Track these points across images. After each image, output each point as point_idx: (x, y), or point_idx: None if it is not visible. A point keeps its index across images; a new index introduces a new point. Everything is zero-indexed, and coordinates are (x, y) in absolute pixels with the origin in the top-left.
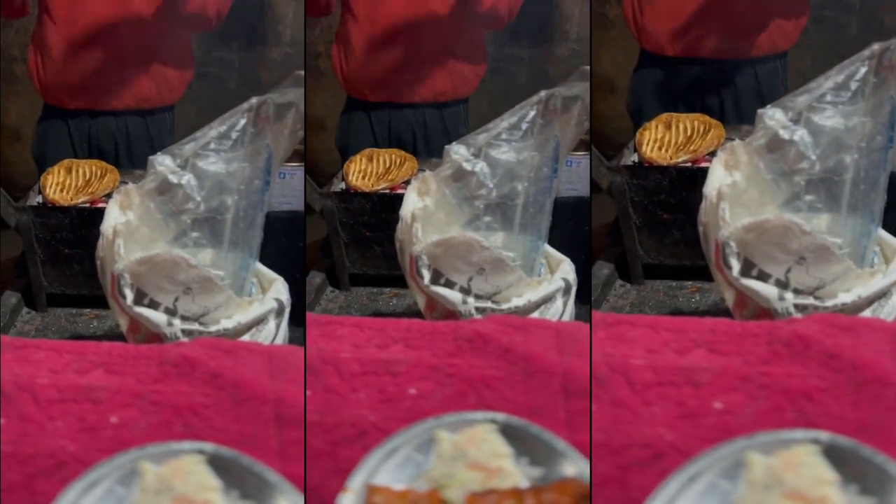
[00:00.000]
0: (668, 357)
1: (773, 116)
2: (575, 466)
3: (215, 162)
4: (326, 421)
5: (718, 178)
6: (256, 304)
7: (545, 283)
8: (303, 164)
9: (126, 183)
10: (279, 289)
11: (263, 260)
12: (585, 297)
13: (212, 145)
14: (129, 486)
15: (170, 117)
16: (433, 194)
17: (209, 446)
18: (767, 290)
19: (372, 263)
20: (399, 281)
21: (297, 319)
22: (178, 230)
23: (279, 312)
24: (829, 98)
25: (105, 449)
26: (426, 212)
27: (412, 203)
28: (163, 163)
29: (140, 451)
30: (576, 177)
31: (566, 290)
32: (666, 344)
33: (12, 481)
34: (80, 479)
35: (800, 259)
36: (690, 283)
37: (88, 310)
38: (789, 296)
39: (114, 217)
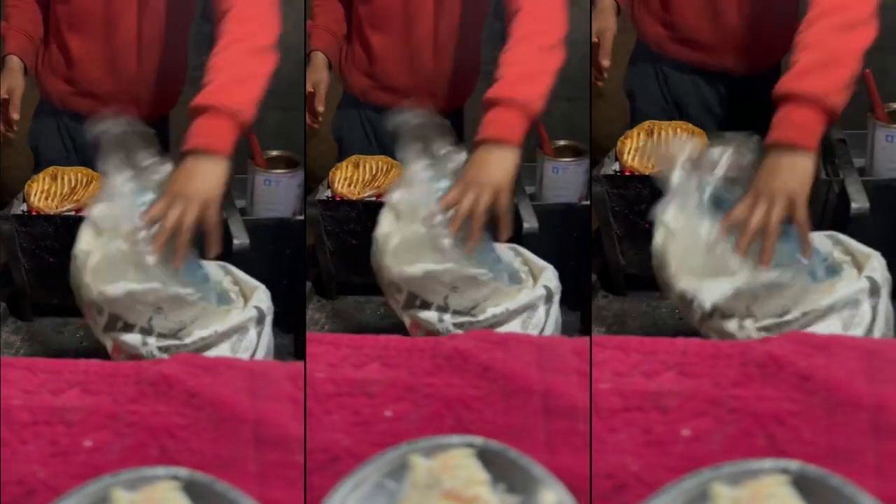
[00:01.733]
0: (636, 380)
1: None
2: (553, 494)
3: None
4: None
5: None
6: (235, 311)
7: (525, 292)
8: (288, 170)
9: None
10: (260, 297)
11: (250, 267)
12: (576, 304)
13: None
14: None
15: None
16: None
17: (184, 472)
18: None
19: (359, 272)
20: None
21: (286, 326)
22: (136, 256)
23: (259, 320)
24: None
25: (77, 475)
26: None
27: (384, 227)
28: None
29: (113, 477)
30: (563, 183)
31: (548, 298)
32: (635, 367)
33: None
34: None
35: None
36: None
37: (75, 319)
38: (447, 317)
39: (85, 242)
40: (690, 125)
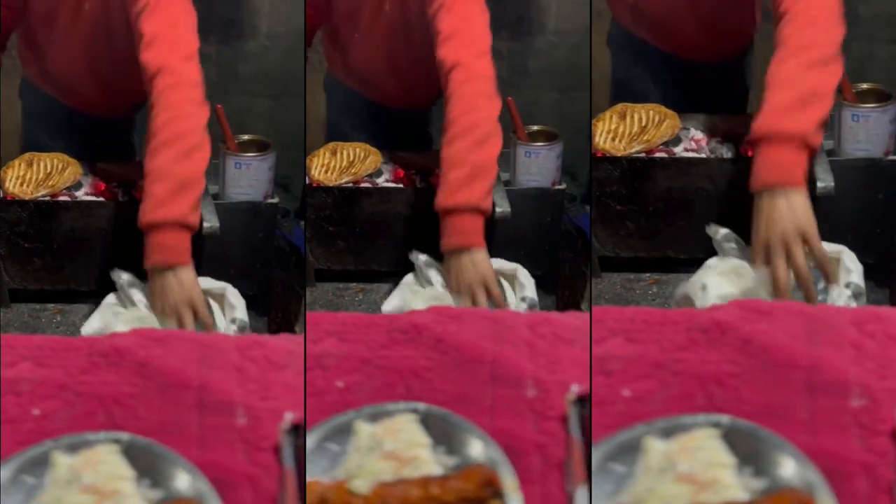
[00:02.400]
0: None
1: None
2: (485, 453)
3: None
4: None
5: None
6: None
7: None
8: (259, 153)
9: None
10: (232, 302)
11: (221, 251)
12: (553, 288)
13: None
14: (40, 478)
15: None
16: None
17: (125, 436)
18: None
19: (336, 259)
20: (364, 276)
21: (262, 309)
22: None
23: (242, 328)
24: None
25: (24, 441)
26: None
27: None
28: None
29: (54, 442)
30: (535, 168)
31: (531, 307)
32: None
33: None
34: None
35: None
36: (648, 275)
37: (52, 305)
38: None
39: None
40: (662, 108)
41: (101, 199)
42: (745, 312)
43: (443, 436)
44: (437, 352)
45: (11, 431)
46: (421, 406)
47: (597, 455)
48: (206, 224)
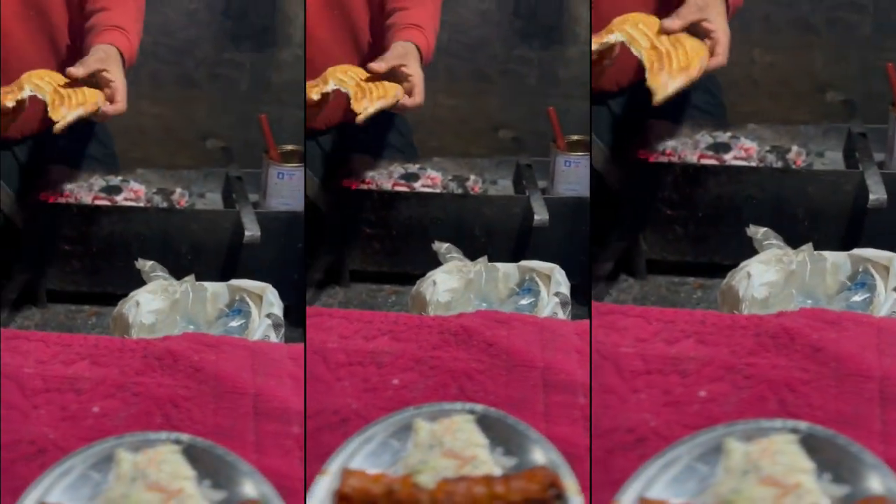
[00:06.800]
0: (657, 346)
1: None
2: (546, 456)
3: None
4: (310, 408)
5: None
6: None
7: (541, 308)
8: (302, 164)
9: None
10: (270, 300)
11: (261, 260)
12: (584, 296)
13: None
14: (104, 473)
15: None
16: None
17: (185, 436)
18: None
19: (372, 260)
20: (398, 278)
21: (296, 320)
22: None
23: (277, 326)
24: None
25: (85, 438)
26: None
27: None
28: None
29: (117, 439)
30: (574, 177)
31: (563, 303)
32: (656, 334)
33: None
34: (57, 465)
35: None
36: (693, 279)
37: (87, 306)
38: None
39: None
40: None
41: (141, 204)
42: (813, 321)
43: (500, 437)
44: (488, 355)
45: (72, 427)
46: (478, 407)
47: (680, 453)
48: (247, 233)
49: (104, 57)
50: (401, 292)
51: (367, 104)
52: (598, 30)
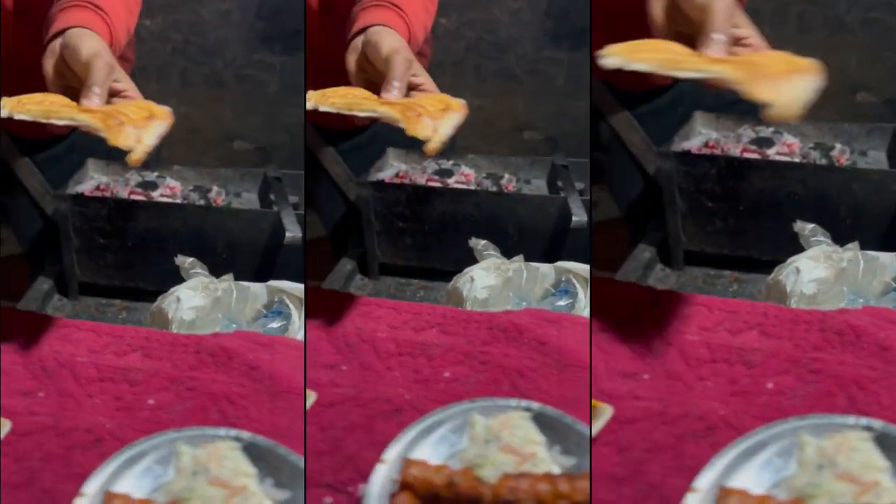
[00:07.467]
0: (721, 335)
1: None
2: None
3: None
4: (363, 396)
5: None
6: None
7: (579, 310)
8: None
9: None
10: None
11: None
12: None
13: None
14: (165, 466)
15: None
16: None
17: (245, 434)
18: None
19: (402, 254)
20: (427, 273)
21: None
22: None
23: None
24: None
25: (141, 429)
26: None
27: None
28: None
29: (178, 432)
30: None
31: None
32: (719, 323)
33: (51, 452)
34: (119, 454)
35: None
36: (729, 272)
37: (118, 301)
38: None
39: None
40: None
41: (177, 201)
42: (877, 319)
43: (558, 436)
44: (539, 353)
45: (128, 418)
46: (535, 405)
47: (751, 442)
48: (287, 233)
49: (96, 65)
50: (429, 288)
51: (429, 124)
52: (598, 30)
